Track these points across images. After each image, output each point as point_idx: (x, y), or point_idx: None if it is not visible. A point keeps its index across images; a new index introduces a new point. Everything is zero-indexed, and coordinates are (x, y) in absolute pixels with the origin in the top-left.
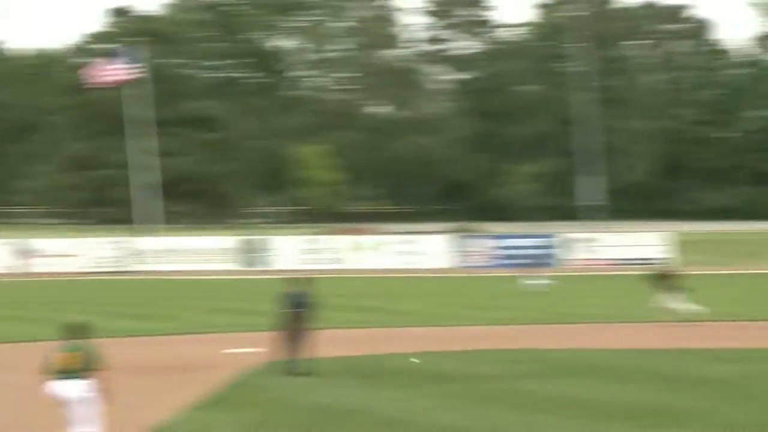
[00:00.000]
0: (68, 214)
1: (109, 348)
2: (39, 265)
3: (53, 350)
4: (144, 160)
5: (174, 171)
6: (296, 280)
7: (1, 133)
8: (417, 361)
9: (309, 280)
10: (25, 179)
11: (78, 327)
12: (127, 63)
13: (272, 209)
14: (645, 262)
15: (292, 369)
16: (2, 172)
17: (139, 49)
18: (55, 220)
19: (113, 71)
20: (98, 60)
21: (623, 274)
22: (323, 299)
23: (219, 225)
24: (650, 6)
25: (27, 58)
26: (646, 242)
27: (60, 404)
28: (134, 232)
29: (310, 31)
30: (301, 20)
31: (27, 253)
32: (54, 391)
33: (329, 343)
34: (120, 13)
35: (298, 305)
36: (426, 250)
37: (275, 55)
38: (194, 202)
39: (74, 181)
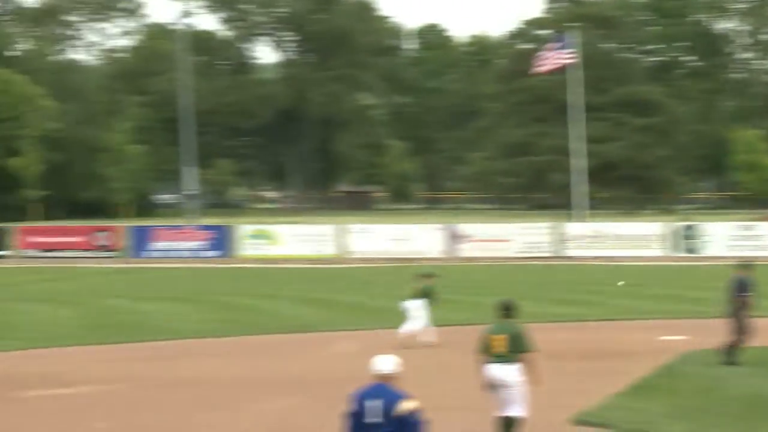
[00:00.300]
0: (497, 199)
1: (538, 333)
2: (470, 250)
3: (485, 332)
4: (577, 146)
5: (604, 156)
6: (743, 265)
7: (438, 120)
8: (622, 283)
9: (750, 266)
10: (459, 165)
11: (508, 306)
12: (564, 48)
13: (705, 194)
14: None
15: (726, 357)
16: (437, 159)
17: (574, 33)
18: (484, 206)
19: (552, 57)
20: (540, 46)
21: None
22: (762, 287)
23: (646, 210)
24: None
25: (466, 44)
26: None
27: (491, 386)
28: (565, 218)
29: (753, 13)
30: (745, 1)
31: (458, 238)
32: (487, 374)
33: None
34: None
35: (742, 291)
36: None
37: (719, 37)
38: (622, 187)
39: (507, 167)
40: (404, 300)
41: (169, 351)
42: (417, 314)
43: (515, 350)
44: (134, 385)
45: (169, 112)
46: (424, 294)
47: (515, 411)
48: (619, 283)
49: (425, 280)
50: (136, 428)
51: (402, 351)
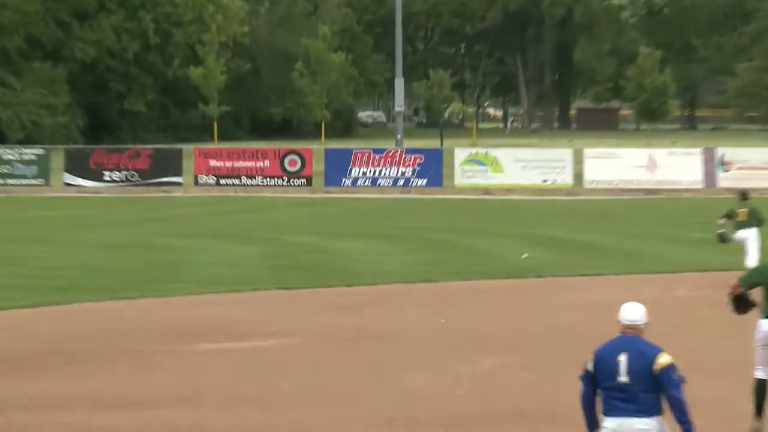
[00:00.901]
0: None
1: None
2: (734, 179)
3: (760, 271)
4: None
5: None
6: None
7: (700, 24)
8: (526, 255)
9: None
10: (723, 77)
11: None
12: None
13: None
14: None
15: None
16: (697, 70)
17: None
18: (752, 126)
19: None
20: None
21: None
22: None
23: None
24: None
25: None
26: None
27: (760, 342)
28: None
29: None
30: None
31: (720, 165)
32: (758, 328)
33: None
34: None
35: None
36: None
37: None
38: None
39: None
40: (735, 231)
41: (364, 298)
42: (753, 244)
43: None
44: (322, 339)
45: (376, 15)
46: (754, 219)
47: None
48: (523, 256)
49: (745, 203)
50: (326, 390)
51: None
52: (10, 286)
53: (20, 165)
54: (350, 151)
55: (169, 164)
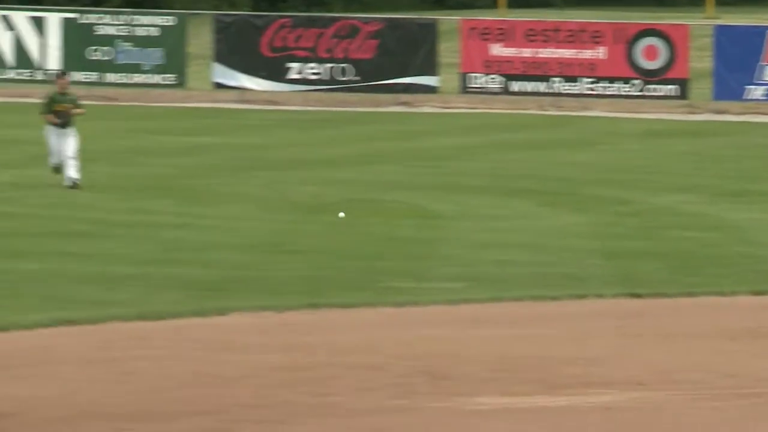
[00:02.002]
0: None
1: None
2: None
3: None
4: None
5: None
6: None
7: None
8: (342, 215)
9: None
10: None
11: None
12: None
13: None
14: None
15: None
16: None
17: None
18: None
19: None
20: None
21: None
22: None
23: None
24: None
25: None
26: None
27: None
28: None
29: None
30: None
31: None
32: None
33: None
34: None
35: None
36: None
37: None
38: None
39: None
40: None
41: None
42: None
43: None
44: (730, 395)
45: None
46: None
47: None
48: (340, 215)
49: None
50: None
51: None
52: (117, 278)
53: (130, 47)
54: (763, 30)
55: (413, 52)
